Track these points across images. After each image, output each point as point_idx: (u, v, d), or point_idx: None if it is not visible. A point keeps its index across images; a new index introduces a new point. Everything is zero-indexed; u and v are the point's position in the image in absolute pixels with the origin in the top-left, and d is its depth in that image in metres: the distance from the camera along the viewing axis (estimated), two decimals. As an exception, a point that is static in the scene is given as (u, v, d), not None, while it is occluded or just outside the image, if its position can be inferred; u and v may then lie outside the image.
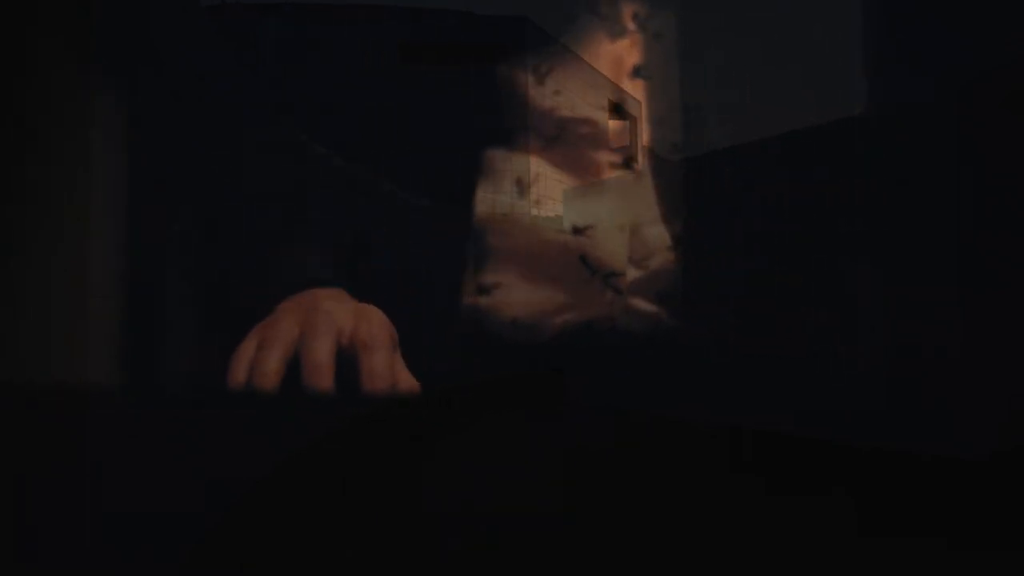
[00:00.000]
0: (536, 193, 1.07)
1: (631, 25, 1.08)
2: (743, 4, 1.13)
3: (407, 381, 1.02)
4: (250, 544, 0.83)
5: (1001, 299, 1.05)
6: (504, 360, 1.19)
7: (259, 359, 1.01)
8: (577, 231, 1.03)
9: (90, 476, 0.87)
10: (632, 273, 1.03)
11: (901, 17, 1.18)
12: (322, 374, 0.99)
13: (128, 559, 0.83)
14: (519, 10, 1.29)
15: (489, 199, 1.08)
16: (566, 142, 1.06)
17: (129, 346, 1.05)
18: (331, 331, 1.01)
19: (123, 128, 1.06)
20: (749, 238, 1.02)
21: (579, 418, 0.90)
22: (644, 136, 1.18)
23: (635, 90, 1.09)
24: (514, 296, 1.06)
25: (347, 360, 1.01)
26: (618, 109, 1.07)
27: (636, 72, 1.06)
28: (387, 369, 1.01)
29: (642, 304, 1.02)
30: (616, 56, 1.09)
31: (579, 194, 1.08)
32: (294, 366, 1.02)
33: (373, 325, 1.02)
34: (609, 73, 1.08)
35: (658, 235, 1.04)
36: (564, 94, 1.09)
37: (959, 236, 1.09)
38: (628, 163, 1.05)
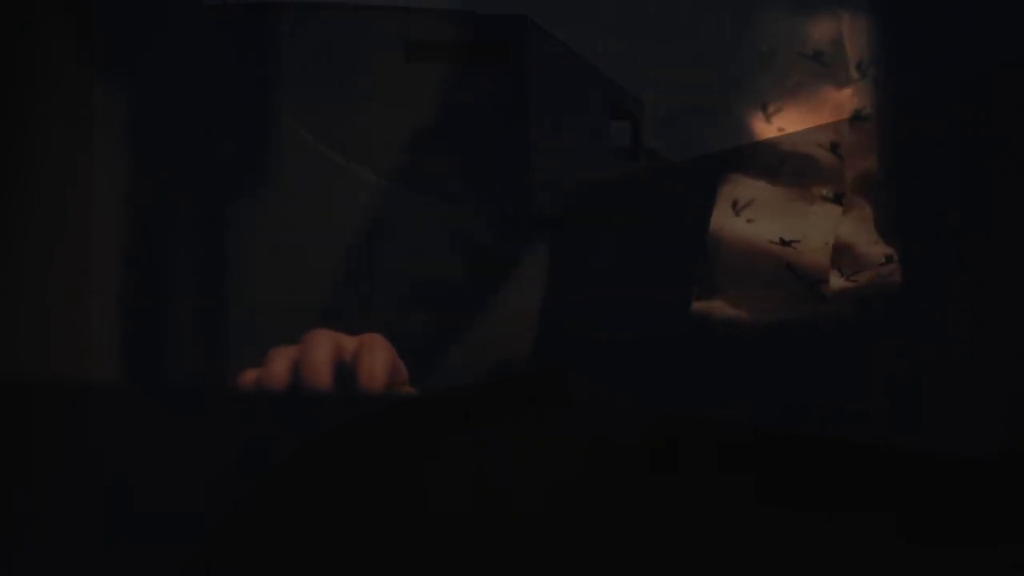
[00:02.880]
0: (752, 215, 1.18)
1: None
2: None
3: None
4: (251, 544, 0.83)
5: (1006, 296, 1.05)
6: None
7: (266, 364, 1.04)
8: (784, 243, 1.15)
9: (90, 475, 0.87)
10: (837, 283, 1.13)
11: (903, 16, 1.18)
12: (321, 372, 1.01)
13: (128, 559, 0.83)
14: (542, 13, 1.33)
15: (706, 214, 1.20)
16: (779, 172, 1.18)
17: (131, 346, 1.05)
18: (331, 339, 1.04)
19: (125, 127, 1.06)
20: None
21: (584, 416, 0.90)
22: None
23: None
24: (732, 300, 1.17)
25: (347, 367, 1.03)
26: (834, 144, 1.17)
27: (857, 115, 1.17)
28: (386, 372, 1.03)
29: (845, 310, 1.12)
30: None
31: (782, 212, 1.19)
32: (295, 372, 1.03)
33: (375, 348, 1.05)
34: (830, 117, 1.20)
35: (874, 252, 1.16)
36: (788, 131, 1.21)
37: (963, 234, 1.09)
38: (837, 198, 1.16)
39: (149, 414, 0.92)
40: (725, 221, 1.18)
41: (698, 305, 1.16)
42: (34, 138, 0.96)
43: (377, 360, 1.03)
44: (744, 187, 1.19)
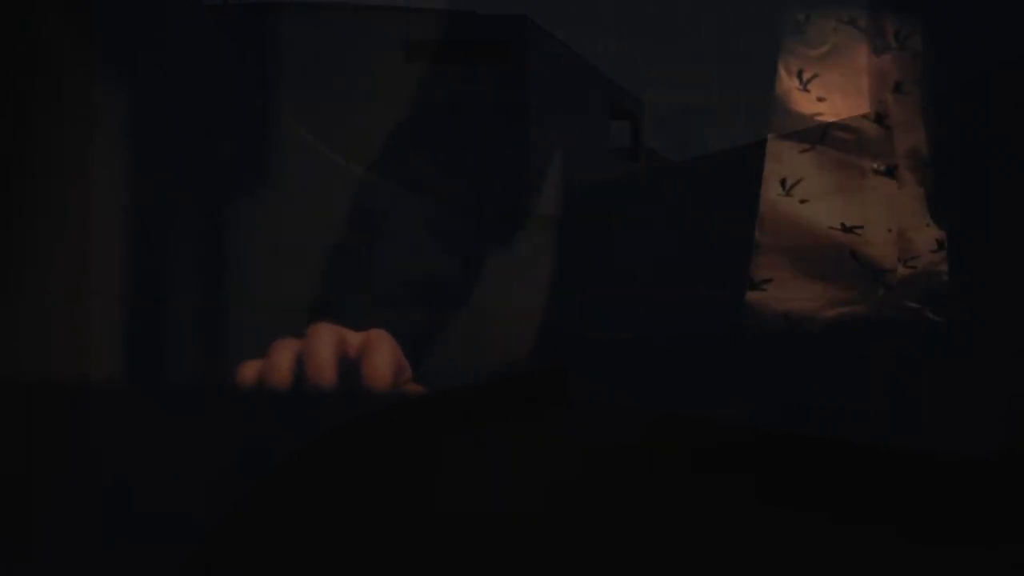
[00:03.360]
0: (804, 195, 1.12)
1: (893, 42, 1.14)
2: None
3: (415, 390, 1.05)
4: (251, 544, 0.83)
5: (1006, 296, 1.05)
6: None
7: (269, 357, 1.04)
8: (846, 229, 1.08)
9: (90, 475, 0.87)
10: (901, 271, 1.07)
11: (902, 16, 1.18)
12: (325, 367, 1.01)
13: (128, 559, 0.83)
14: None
15: (755, 197, 1.14)
16: (823, 143, 1.11)
17: (131, 346, 1.05)
18: (336, 334, 1.03)
19: (125, 127, 1.06)
20: None
21: (584, 416, 0.90)
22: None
23: (894, 104, 1.15)
24: (786, 291, 1.10)
25: (351, 363, 1.03)
26: (879, 121, 1.11)
27: (898, 87, 1.11)
28: (392, 369, 1.03)
29: (909, 303, 1.07)
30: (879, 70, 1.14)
31: (835, 191, 1.14)
32: (299, 367, 1.03)
33: (379, 343, 1.04)
34: (871, 85, 1.14)
35: (925, 237, 1.10)
36: (828, 100, 1.15)
37: (963, 233, 1.09)
38: (890, 172, 1.10)
39: (149, 414, 0.92)
40: (777, 203, 1.12)
41: (752, 296, 1.11)
42: (34, 138, 0.96)
43: (382, 356, 1.03)
44: (789, 163, 1.13)
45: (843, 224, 1.10)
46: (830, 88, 1.16)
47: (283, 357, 1.03)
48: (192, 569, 0.80)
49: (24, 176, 0.95)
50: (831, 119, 1.14)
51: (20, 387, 0.90)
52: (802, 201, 1.12)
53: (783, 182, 1.13)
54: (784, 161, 1.14)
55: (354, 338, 1.04)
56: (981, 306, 1.05)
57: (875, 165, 1.11)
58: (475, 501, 0.82)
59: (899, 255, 1.09)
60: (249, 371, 1.04)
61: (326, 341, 1.02)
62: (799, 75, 1.16)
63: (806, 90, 1.16)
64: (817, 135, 1.13)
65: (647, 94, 1.45)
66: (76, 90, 1.00)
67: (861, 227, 1.10)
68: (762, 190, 1.13)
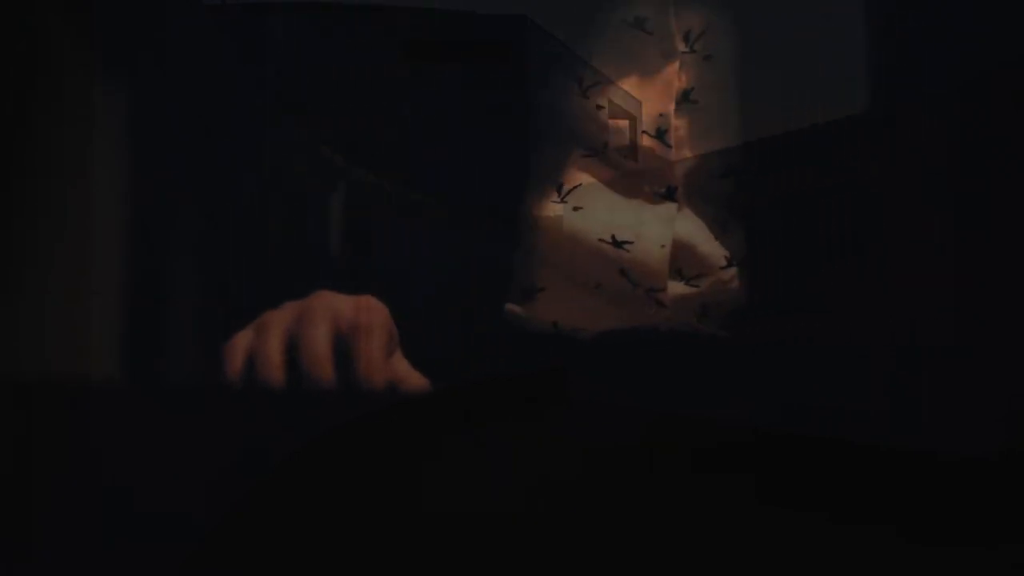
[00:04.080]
0: (579, 203, 1.10)
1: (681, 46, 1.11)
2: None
3: (408, 375, 1.05)
4: (251, 544, 0.83)
5: (1006, 296, 1.06)
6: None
7: (259, 347, 1.04)
8: (617, 244, 1.07)
9: (90, 475, 0.87)
10: (678, 289, 1.06)
11: (903, 17, 1.18)
12: (321, 365, 1.01)
13: (128, 559, 0.83)
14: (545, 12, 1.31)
15: (532, 204, 1.11)
16: (604, 154, 1.10)
17: (131, 346, 1.05)
18: (328, 318, 1.04)
19: (125, 127, 1.06)
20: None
21: (584, 416, 0.90)
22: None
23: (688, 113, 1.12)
24: (557, 301, 1.09)
25: (346, 348, 1.03)
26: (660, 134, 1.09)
27: (685, 96, 1.09)
28: (384, 354, 1.03)
29: (686, 318, 1.05)
30: (665, 78, 1.12)
31: (613, 203, 1.11)
32: (294, 362, 1.04)
33: (372, 312, 1.05)
34: (660, 93, 1.11)
35: (709, 253, 1.08)
36: (607, 106, 1.12)
37: (962, 233, 1.09)
38: (670, 193, 1.08)
39: (149, 414, 0.92)
40: (551, 209, 1.09)
41: (524, 304, 1.08)
42: (35, 138, 0.96)
43: (374, 318, 1.04)
44: (569, 168, 1.09)
45: (614, 238, 1.08)
46: (615, 95, 1.14)
47: (278, 319, 1.03)
48: (192, 569, 0.80)
49: (24, 176, 0.95)
50: (614, 135, 1.12)
51: (20, 387, 0.90)
52: (576, 208, 1.11)
53: (560, 188, 1.11)
54: (564, 166, 1.12)
55: (348, 301, 1.05)
56: (981, 306, 1.05)
57: (655, 187, 1.10)
58: (475, 501, 0.82)
59: (680, 273, 1.07)
60: (243, 340, 1.05)
61: (323, 302, 1.03)
62: (579, 81, 1.14)
63: (586, 97, 1.14)
64: (599, 147, 1.12)
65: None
66: (76, 90, 0.99)
67: (631, 242, 1.08)
68: (538, 195, 1.12)
